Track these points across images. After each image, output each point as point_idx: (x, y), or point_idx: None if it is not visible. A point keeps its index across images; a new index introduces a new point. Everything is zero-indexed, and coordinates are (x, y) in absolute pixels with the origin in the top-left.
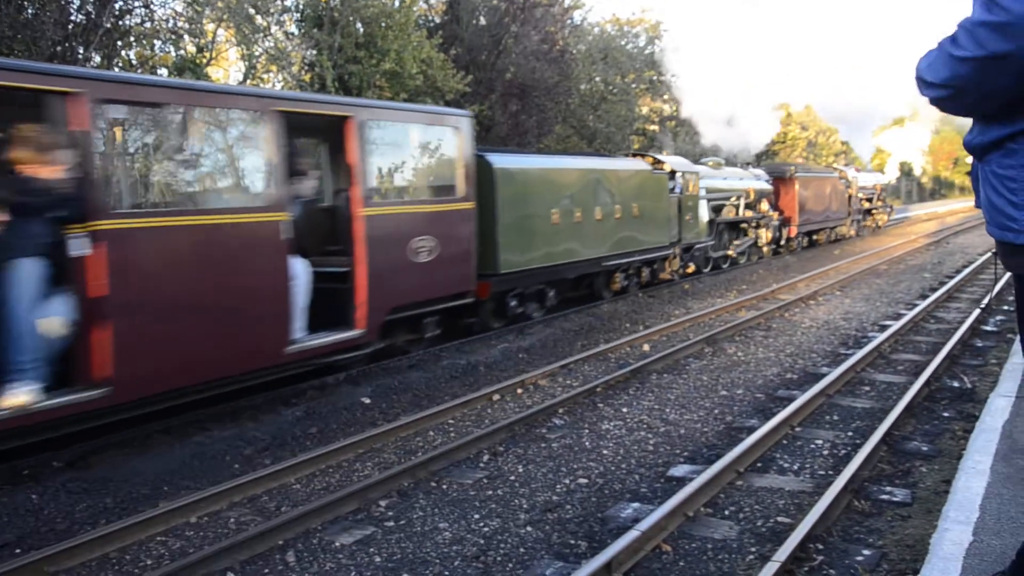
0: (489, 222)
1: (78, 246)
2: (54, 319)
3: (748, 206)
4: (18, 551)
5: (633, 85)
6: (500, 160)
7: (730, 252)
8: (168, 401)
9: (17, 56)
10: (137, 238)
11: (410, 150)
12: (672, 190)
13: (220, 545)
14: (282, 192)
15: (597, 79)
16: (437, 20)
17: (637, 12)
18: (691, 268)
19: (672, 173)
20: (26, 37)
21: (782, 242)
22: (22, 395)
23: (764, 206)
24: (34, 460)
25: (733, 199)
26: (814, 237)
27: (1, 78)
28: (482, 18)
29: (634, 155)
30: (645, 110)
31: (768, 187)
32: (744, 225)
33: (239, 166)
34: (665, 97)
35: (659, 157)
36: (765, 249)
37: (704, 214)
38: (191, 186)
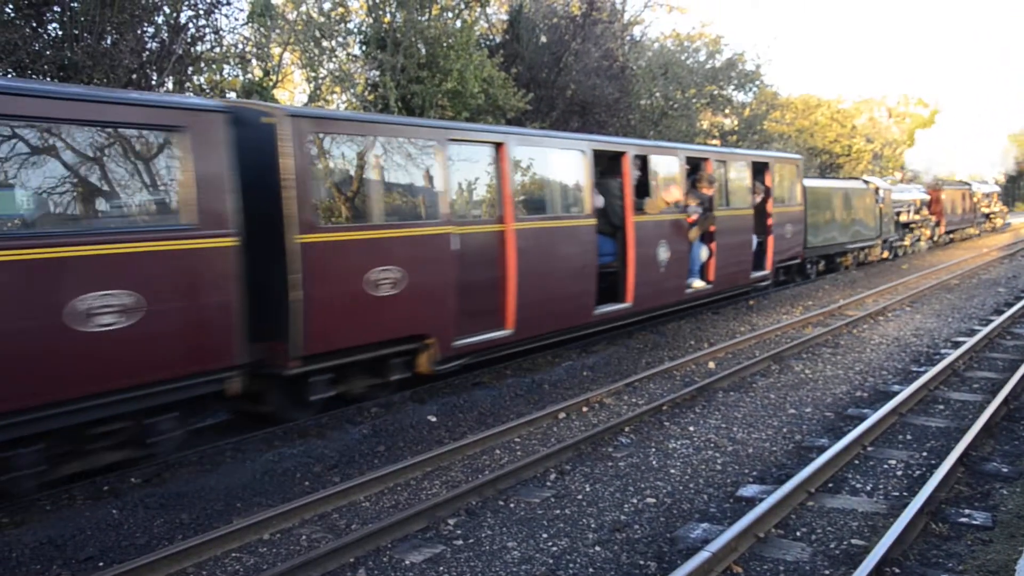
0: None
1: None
2: (704, 250)
3: (915, 211)
4: (101, 564)
5: (694, 100)
6: (807, 181)
7: (906, 243)
8: (715, 296)
9: (96, 84)
10: (718, 220)
11: (786, 177)
12: (876, 201)
13: (293, 562)
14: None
15: (657, 95)
16: (498, 39)
17: (697, 27)
18: (886, 254)
19: (876, 190)
20: (104, 65)
21: (935, 238)
22: (699, 283)
23: (924, 211)
24: (114, 476)
25: (906, 207)
26: (951, 235)
27: (690, 154)
28: (542, 36)
29: (852, 179)
30: (706, 124)
31: (927, 197)
32: (913, 226)
33: (736, 190)
34: (726, 111)
35: (868, 179)
36: (923, 244)
37: (892, 217)
38: (728, 197)
